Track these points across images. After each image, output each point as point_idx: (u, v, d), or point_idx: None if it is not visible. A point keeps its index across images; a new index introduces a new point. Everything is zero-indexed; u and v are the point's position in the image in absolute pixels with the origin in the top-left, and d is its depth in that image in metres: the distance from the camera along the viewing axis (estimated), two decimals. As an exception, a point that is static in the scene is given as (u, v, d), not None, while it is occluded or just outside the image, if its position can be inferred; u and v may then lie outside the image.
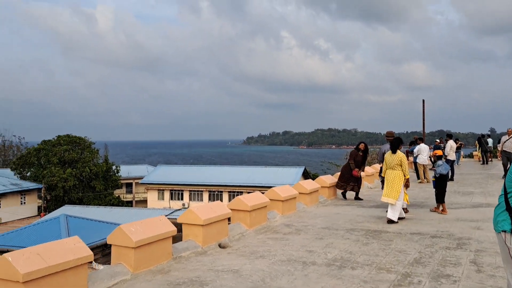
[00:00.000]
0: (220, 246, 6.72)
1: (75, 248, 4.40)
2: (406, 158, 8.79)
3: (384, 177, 8.90)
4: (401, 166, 8.55)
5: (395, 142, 8.82)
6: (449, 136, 17.81)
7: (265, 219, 8.33)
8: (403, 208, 9.51)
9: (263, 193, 8.70)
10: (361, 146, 11.91)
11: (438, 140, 19.71)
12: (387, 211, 9.16)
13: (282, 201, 9.02)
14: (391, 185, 8.48)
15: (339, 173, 12.23)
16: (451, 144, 16.52)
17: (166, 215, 33.01)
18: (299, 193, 10.25)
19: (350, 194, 12.27)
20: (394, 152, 8.71)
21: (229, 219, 7.89)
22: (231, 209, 7.85)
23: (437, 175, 9.30)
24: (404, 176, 8.59)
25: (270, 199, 9.00)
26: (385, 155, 8.84)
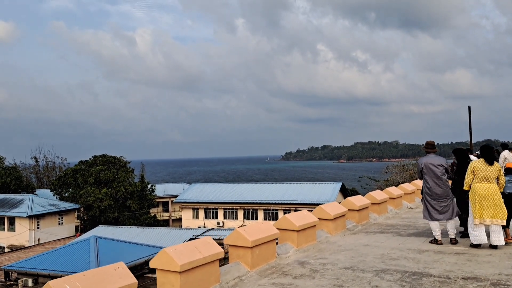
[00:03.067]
0: (206, 297, 5.19)
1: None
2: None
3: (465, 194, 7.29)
4: (498, 179, 7.09)
5: (489, 150, 7.15)
6: (504, 146, 15.42)
7: (273, 255, 6.72)
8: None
9: (308, 210, 7.24)
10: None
11: (478, 153, 17.22)
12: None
13: (297, 231, 7.38)
14: (494, 202, 6.92)
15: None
16: (505, 156, 14.19)
17: (197, 236, 31.83)
18: (321, 219, 8.56)
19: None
20: (491, 162, 7.06)
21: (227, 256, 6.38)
22: (229, 245, 6.33)
23: (506, 193, 7.49)
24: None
25: (281, 229, 7.40)
26: (477, 166, 7.10)
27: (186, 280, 4.99)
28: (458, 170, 8.10)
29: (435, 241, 7.73)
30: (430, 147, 8.05)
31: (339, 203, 9.62)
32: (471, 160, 8.28)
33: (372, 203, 10.65)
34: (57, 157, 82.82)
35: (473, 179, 7.12)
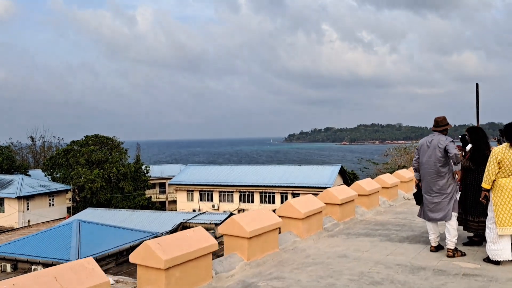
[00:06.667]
0: None
1: None
2: None
3: (487, 191, 5.22)
4: None
5: None
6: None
7: (208, 275, 4.79)
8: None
9: (296, 195, 5.33)
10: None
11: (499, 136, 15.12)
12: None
13: (248, 238, 5.44)
14: None
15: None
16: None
17: (188, 220, 30.02)
18: (287, 217, 6.62)
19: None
20: None
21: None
22: (138, 264, 4.41)
23: None
24: None
25: (227, 235, 5.49)
26: (505, 156, 5.01)
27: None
28: (475, 156, 5.92)
29: (435, 249, 5.80)
30: (435, 124, 5.87)
31: (316, 196, 7.65)
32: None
33: (359, 195, 8.67)
34: (54, 137, 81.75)
35: (498, 173, 5.11)
